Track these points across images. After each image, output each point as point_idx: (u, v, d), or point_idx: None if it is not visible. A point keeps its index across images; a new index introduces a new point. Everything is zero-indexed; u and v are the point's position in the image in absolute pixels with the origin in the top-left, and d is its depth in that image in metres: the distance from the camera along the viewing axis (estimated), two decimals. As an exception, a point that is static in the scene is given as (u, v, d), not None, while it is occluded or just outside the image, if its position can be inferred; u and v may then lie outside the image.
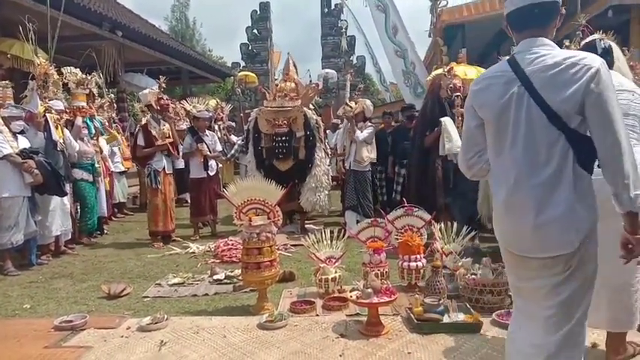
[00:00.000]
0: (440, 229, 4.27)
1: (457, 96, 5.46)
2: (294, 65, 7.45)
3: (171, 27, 33.83)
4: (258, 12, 22.71)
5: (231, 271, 4.82)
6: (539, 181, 1.76)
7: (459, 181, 5.06)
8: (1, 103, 5.59)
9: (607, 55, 2.66)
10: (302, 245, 4.93)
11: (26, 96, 6.13)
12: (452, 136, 5.26)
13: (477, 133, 1.99)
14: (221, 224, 7.57)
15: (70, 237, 6.38)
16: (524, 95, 1.77)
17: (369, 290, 3.29)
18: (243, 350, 3.08)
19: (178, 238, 6.82)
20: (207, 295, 4.35)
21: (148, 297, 4.34)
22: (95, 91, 8.11)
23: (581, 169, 1.75)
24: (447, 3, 11.37)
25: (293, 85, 6.97)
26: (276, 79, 7.79)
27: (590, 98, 1.68)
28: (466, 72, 7.15)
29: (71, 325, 3.52)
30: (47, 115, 5.89)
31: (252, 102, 19.62)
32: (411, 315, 3.36)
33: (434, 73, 7.58)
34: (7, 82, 5.96)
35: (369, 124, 7.14)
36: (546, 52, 1.78)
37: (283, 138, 6.75)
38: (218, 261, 5.50)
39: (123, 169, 9.14)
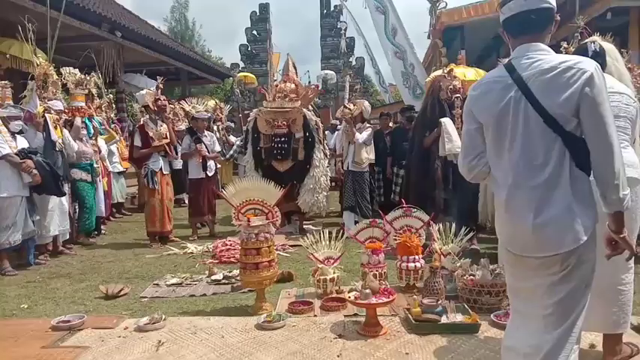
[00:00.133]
0: (438, 230, 4.26)
1: (457, 97, 5.47)
2: (294, 66, 7.45)
3: (170, 28, 33.92)
4: (258, 13, 22.75)
5: (230, 272, 4.81)
6: (537, 183, 1.80)
7: (459, 182, 5.06)
8: (0, 103, 5.58)
9: (598, 57, 2.69)
10: (300, 246, 4.92)
11: (25, 96, 6.13)
12: (452, 137, 5.27)
13: (476, 136, 2.02)
14: (219, 225, 7.57)
15: (68, 237, 6.38)
16: (521, 100, 1.82)
17: (368, 291, 3.29)
18: (241, 351, 3.08)
19: (176, 239, 6.81)
20: (205, 295, 4.34)
21: (145, 297, 4.33)
22: (94, 91, 8.11)
23: (579, 171, 1.78)
24: (446, 5, 11.41)
25: (293, 85, 6.97)
26: (275, 80, 7.77)
27: (585, 102, 1.72)
28: (465, 73, 7.17)
29: (69, 325, 3.51)
30: (46, 115, 5.89)
31: (251, 103, 19.63)
32: (409, 316, 3.35)
33: (433, 74, 7.59)
34: (5, 82, 5.95)
35: (368, 125, 7.14)
36: (542, 57, 1.82)
37: (282, 139, 6.75)
38: (216, 261, 5.49)
39: (121, 169, 9.14)
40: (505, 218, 1.94)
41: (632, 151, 2.65)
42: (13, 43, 8.70)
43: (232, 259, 5.41)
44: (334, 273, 4.10)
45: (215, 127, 10.38)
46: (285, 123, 6.71)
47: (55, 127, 6.01)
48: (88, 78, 7.61)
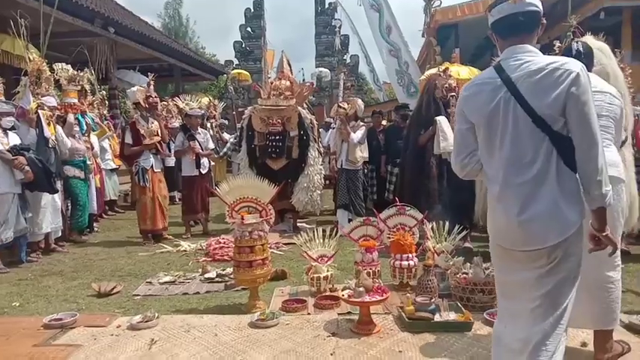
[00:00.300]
0: (432, 229, 4.28)
1: (452, 96, 5.48)
2: (289, 64, 7.44)
3: (164, 24, 33.74)
4: (252, 10, 22.65)
5: (223, 270, 4.80)
6: (525, 180, 1.87)
7: (453, 180, 5.07)
8: (-8, 99, 5.54)
9: (580, 57, 2.73)
10: (294, 244, 4.92)
11: (18, 92, 6.08)
12: (447, 135, 5.28)
13: (467, 135, 2.09)
14: (213, 222, 7.56)
15: (60, 234, 6.34)
16: (510, 100, 1.88)
17: (361, 289, 3.30)
18: (234, 349, 3.07)
19: (170, 237, 6.79)
20: (198, 293, 4.33)
21: (138, 295, 4.31)
22: (87, 87, 8.06)
23: (567, 168, 1.85)
24: (441, 3, 11.44)
25: (288, 83, 6.94)
26: (269, 77, 7.77)
27: (571, 100, 1.79)
28: (459, 72, 7.19)
29: (61, 324, 3.49)
30: (39, 111, 5.84)
31: (245, 100, 19.57)
32: (403, 314, 3.36)
33: (427, 72, 7.60)
34: (-3, 78, 5.90)
35: (362, 123, 7.14)
36: (530, 59, 1.89)
37: (277, 137, 6.73)
38: (210, 259, 5.48)
39: (114, 166, 9.10)
40: (496, 213, 2.02)
41: (614, 150, 2.69)
42: (5, 39, 8.62)
43: (226, 257, 5.40)
44: (328, 271, 4.11)
45: (209, 125, 10.34)
46: (279, 121, 6.70)
47: (49, 124, 5.97)
48: (81, 74, 7.56)
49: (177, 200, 9.75)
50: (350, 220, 5.74)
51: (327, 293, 3.96)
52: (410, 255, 4.15)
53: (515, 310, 1.99)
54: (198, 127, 7.46)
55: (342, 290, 3.50)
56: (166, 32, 26.23)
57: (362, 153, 6.87)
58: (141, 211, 6.64)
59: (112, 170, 9.14)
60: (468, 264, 3.86)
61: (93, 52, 10.48)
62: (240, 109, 12.05)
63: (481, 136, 2.02)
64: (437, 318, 3.30)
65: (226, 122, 12.16)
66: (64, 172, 6.31)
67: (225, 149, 9.88)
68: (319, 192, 6.95)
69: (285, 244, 6.12)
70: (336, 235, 4.37)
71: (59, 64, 6.95)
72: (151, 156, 6.65)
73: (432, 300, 3.42)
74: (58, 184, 6.01)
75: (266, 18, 22.90)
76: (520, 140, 1.88)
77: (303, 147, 6.81)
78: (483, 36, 12.09)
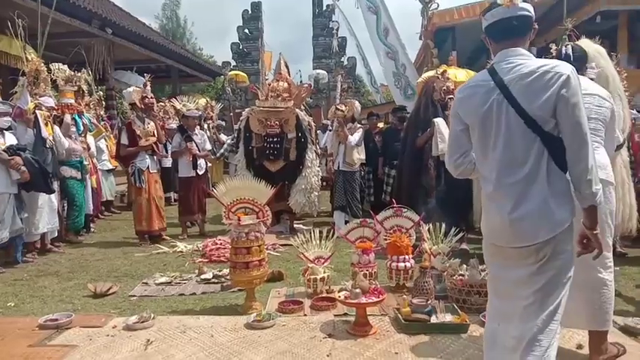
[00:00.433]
0: (428, 230, 4.28)
1: (450, 98, 5.50)
2: (286, 66, 7.44)
3: (161, 25, 33.68)
4: (250, 11, 22.68)
5: (219, 271, 4.80)
6: (517, 179, 1.94)
7: (451, 182, 5.08)
8: (-12, 99, 5.53)
9: (569, 60, 2.80)
10: (291, 245, 4.91)
11: (16, 92, 6.07)
12: (445, 137, 5.29)
13: (461, 136, 2.15)
14: (209, 223, 7.55)
15: (56, 235, 6.32)
16: (503, 102, 1.94)
17: (358, 290, 3.30)
18: (230, 350, 3.07)
19: (166, 237, 6.77)
20: (194, 294, 4.32)
21: (134, 296, 4.30)
22: (85, 88, 8.05)
23: (557, 168, 1.91)
24: (438, 6, 11.45)
25: (285, 84, 6.95)
26: (267, 79, 7.77)
27: (561, 102, 1.85)
28: (456, 74, 7.19)
29: (56, 324, 3.48)
30: (37, 111, 5.83)
31: (242, 101, 19.59)
32: (399, 315, 3.37)
33: (425, 75, 7.61)
34: (-6, 78, 5.90)
35: (359, 125, 7.16)
36: (522, 62, 1.94)
37: (275, 139, 6.74)
38: (206, 260, 5.48)
39: (110, 166, 9.07)
40: (489, 211, 2.08)
41: (603, 152, 2.71)
42: (2, 39, 8.61)
43: (222, 258, 5.39)
44: (324, 272, 4.11)
45: (206, 126, 10.34)
46: (277, 123, 6.70)
47: (46, 124, 5.96)
48: (78, 75, 7.55)
49: (173, 201, 9.73)
50: (347, 222, 5.74)
51: (324, 295, 3.96)
52: (406, 257, 4.16)
53: (507, 309, 2.04)
54: (196, 129, 7.45)
55: (339, 292, 3.51)
56: (164, 33, 26.20)
57: (359, 155, 6.87)
58: (137, 212, 6.62)
59: (109, 171, 9.12)
60: (464, 266, 3.87)
61: (90, 52, 10.48)
62: (237, 111, 12.03)
63: (475, 137, 2.07)
64: (433, 320, 3.31)
65: (223, 123, 12.16)
66: (60, 173, 6.29)
67: (222, 150, 9.88)
68: (317, 193, 6.95)
69: (282, 245, 6.11)
70: (332, 236, 4.37)
71: (56, 64, 6.93)
72: (147, 157, 6.64)
73: (429, 302, 3.42)
74: (55, 185, 5.99)
75: (264, 20, 22.93)
76: (512, 141, 1.93)
77: (301, 149, 6.82)
78: (480, 39, 12.14)
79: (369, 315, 3.40)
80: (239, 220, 3.75)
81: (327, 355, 2.96)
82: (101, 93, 10.07)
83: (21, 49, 6.33)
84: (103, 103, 10.06)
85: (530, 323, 1.93)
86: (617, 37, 9.67)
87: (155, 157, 6.83)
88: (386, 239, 4.37)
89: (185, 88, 20.40)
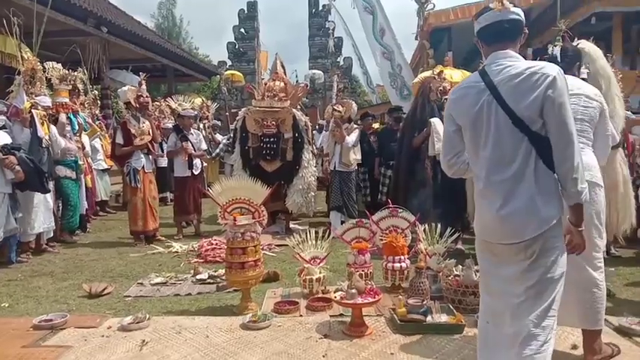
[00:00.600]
0: (424, 231, 4.29)
1: (446, 98, 5.51)
2: (282, 66, 7.42)
3: (157, 24, 33.59)
4: (246, 11, 22.64)
5: (215, 271, 4.79)
6: (505, 177, 2.00)
7: (447, 182, 5.09)
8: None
9: (556, 61, 2.87)
10: (286, 245, 4.91)
11: (11, 91, 6.03)
12: (441, 137, 5.30)
13: (454, 137, 2.22)
14: (205, 224, 7.53)
15: (52, 235, 6.29)
16: (492, 103, 2.01)
17: (353, 291, 3.30)
18: (225, 350, 3.07)
19: (162, 237, 6.76)
20: (190, 294, 4.31)
21: (129, 296, 4.29)
22: (80, 87, 8.01)
23: (545, 167, 1.97)
24: (434, 6, 11.47)
25: (282, 84, 6.93)
26: (263, 79, 7.75)
27: (548, 102, 1.91)
28: (452, 75, 7.21)
29: (51, 324, 3.46)
30: (33, 111, 5.80)
31: (238, 101, 19.55)
32: (395, 316, 3.37)
33: (421, 75, 7.62)
34: (-13, 76, 5.87)
35: (355, 126, 7.16)
36: (511, 64, 2.01)
37: (271, 139, 6.72)
38: (201, 260, 5.46)
39: (105, 166, 9.05)
40: (481, 209, 2.15)
41: (589, 152, 2.71)
42: (-3, 37, 8.55)
43: (218, 259, 5.39)
44: (320, 273, 4.11)
45: (201, 125, 10.32)
46: (274, 123, 6.69)
47: (42, 124, 5.93)
48: (73, 73, 7.51)
49: (169, 201, 9.71)
50: (343, 222, 5.74)
51: (320, 295, 3.96)
52: (402, 257, 4.16)
53: (498, 306, 2.09)
54: (191, 128, 7.43)
55: (335, 292, 3.51)
56: (159, 32, 26.11)
57: (355, 155, 6.88)
58: (132, 211, 6.60)
59: (104, 170, 9.09)
60: (460, 266, 3.88)
61: (85, 51, 10.42)
62: (233, 110, 12.02)
63: (467, 136, 2.14)
64: (429, 320, 3.31)
65: (219, 123, 12.13)
66: (55, 172, 6.26)
67: (217, 150, 9.86)
68: (313, 194, 6.95)
69: (278, 245, 6.11)
70: (328, 236, 4.37)
71: (50, 62, 6.90)
72: (143, 156, 6.61)
73: (424, 302, 3.43)
74: (50, 185, 5.96)
75: (260, 19, 22.84)
76: (501, 140, 2.00)
77: (298, 149, 6.80)
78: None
79: (365, 315, 3.40)
80: (235, 220, 3.74)
81: (323, 356, 2.95)
82: (96, 92, 10.05)
83: (16, 48, 6.29)
84: (98, 102, 10.03)
85: (525, 320, 1.97)
86: (611, 38, 9.74)
87: (150, 157, 6.81)
88: (382, 239, 4.37)
89: (181, 87, 20.37)
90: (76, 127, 7.17)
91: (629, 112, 5.44)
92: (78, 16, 10.18)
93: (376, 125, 10.16)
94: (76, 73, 7.89)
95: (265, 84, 7.10)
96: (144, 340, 3.21)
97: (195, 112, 8.91)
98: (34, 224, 5.76)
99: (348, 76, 20.99)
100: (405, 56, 11.86)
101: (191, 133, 7.28)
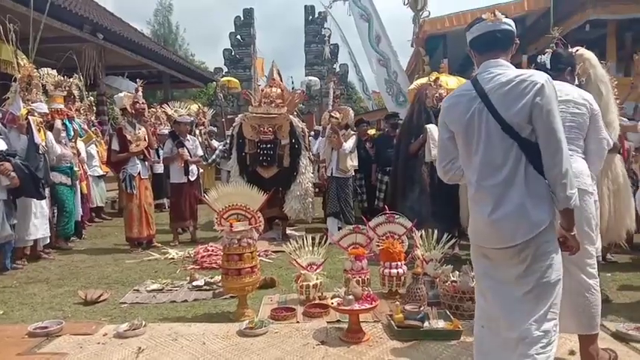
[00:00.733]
0: (421, 237, 4.29)
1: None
2: (279, 74, 7.44)
3: (153, 31, 33.60)
4: (242, 18, 22.73)
5: (211, 278, 4.77)
6: (496, 182, 2.04)
7: (444, 188, 5.10)
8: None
9: (544, 69, 2.91)
10: (283, 252, 4.91)
11: (7, 97, 6.02)
12: (437, 143, 5.32)
13: (449, 144, 2.28)
14: (201, 230, 7.51)
15: (47, 241, 6.25)
16: (483, 110, 2.06)
17: (350, 297, 3.29)
18: (222, 357, 3.05)
19: (158, 244, 6.73)
20: (186, 301, 4.29)
21: (125, 303, 4.27)
22: (76, 93, 8.00)
23: (535, 172, 2.00)
24: (429, 14, 11.51)
25: (279, 90, 6.94)
26: (259, 85, 7.76)
27: (536, 109, 1.96)
28: (447, 82, 7.24)
29: (46, 332, 3.44)
30: (30, 117, 5.78)
31: (234, 107, 19.59)
32: (392, 322, 3.37)
33: (417, 82, 7.65)
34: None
35: (352, 132, 7.17)
36: (501, 72, 2.06)
37: (268, 145, 6.72)
38: (198, 267, 5.45)
39: (101, 172, 9.02)
40: (474, 214, 2.19)
41: (578, 160, 2.70)
42: (-7, 44, 8.53)
43: (214, 265, 5.36)
44: (317, 279, 4.10)
45: (197, 132, 10.31)
46: (271, 129, 6.69)
47: (39, 130, 5.91)
48: (69, 80, 7.50)
49: (166, 207, 9.68)
50: (340, 228, 5.74)
51: (317, 301, 3.95)
52: (399, 263, 4.16)
53: (492, 311, 2.12)
54: (187, 134, 7.43)
55: (332, 298, 3.50)
56: (156, 39, 26.15)
57: (352, 162, 6.89)
58: (128, 218, 6.58)
59: (100, 177, 9.06)
60: (457, 272, 3.88)
61: (81, 58, 10.41)
62: (229, 117, 12.02)
63: (460, 143, 2.20)
64: (426, 326, 3.30)
65: (215, 129, 12.13)
66: (51, 179, 6.23)
67: (214, 156, 9.85)
68: (311, 200, 6.95)
69: (274, 251, 6.10)
70: (325, 243, 4.36)
71: (45, 69, 6.89)
72: (139, 162, 6.60)
73: (421, 308, 3.42)
74: (46, 191, 5.94)
75: (256, 26, 23.00)
76: (492, 146, 2.05)
77: (295, 155, 6.81)
78: (471, 46, 12.23)
79: (362, 322, 3.40)
80: (231, 226, 3.73)
81: (320, 363, 2.95)
82: (92, 98, 10.03)
83: (12, 55, 6.29)
84: (94, 108, 10.01)
85: (526, 324, 1.99)
86: (605, 45, 9.80)
87: (146, 163, 6.80)
88: (379, 246, 4.36)
89: (177, 93, 20.39)
90: (72, 133, 7.15)
91: (624, 119, 5.47)
92: (74, 22, 10.19)
93: (372, 131, 10.19)
94: (71, 80, 7.88)
95: (262, 90, 7.10)
96: (140, 347, 3.19)
97: (192, 119, 8.88)
98: (31, 230, 5.73)
99: (344, 82, 21.07)
100: (400, 63, 11.93)
101: (187, 140, 7.28)
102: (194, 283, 4.68)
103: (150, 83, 14.29)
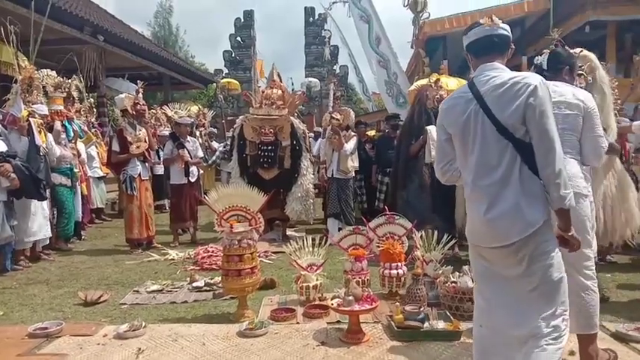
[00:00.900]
0: (421, 237, 4.29)
1: (443, 107, 5.55)
2: (279, 76, 7.45)
3: (154, 33, 33.62)
4: (242, 19, 22.74)
5: (211, 279, 4.77)
6: (491, 182, 2.07)
7: (443, 189, 5.10)
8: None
9: (540, 70, 2.93)
10: (283, 252, 4.91)
11: (9, 99, 6.02)
12: (435, 145, 5.33)
13: (446, 145, 2.32)
14: (201, 231, 7.51)
15: (47, 242, 6.26)
16: (479, 112, 2.10)
17: (350, 298, 3.29)
18: (222, 358, 3.05)
19: (158, 245, 6.73)
20: (186, 302, 4.29)
21: (125, 304, 4.27)
22: (76, 94, 8.00)
23: (530, 172, 2.03)
24: (429, 15, 11.54)
25: (279, 92, 6.94)
26: (259, 86, 7.78)
27: (530, 110, 1.99)
28: (447, 83, 7.25)
29: (46, 333, 3.44)
30: (30, 119, 5.79)
31: (234, 109, 19.60)
32: (392, 323, 3.37)
33: (417, 83, 7.66)
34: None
35: (352, 133, 7.18)
36: (496, 75, 2.10)
37: (269, 147, 6.72)
38: (198, 268, 5.45)
39: (101, 174, 9.02)
40: (470, 213, 2.22)
41: (572, 162, 2.67)
42: (-7, 45, 8.54)
43: (214, 266, 5.36)
44: (317, 280, 4.10)
45: (198, 133, 10.32)
46: (272, 131, 6.69)
47: (40, 132, 5.92)
48: (69, 82, 7.50)
49: (166, 208, 9.68)
50: (340, 229, 5.74)
51: (317, 302, 3.95)
52: (399, 264, 4.16)
53: (492, 311, 2.15)
54: (188, 136, 7.43)
55: (332, 299, 3.50)
56: (156, 41, 26.18)
57: (353, 163, 6.90)
58: (128, 219, 6.58)
59: (100, 178, 9.06)
60: (457, 273, 3.88)
61: (82, 59, 10.43)
62: (229, 118, 12.03)
63: (457, 144, 2.24)
64: (426, 327, 3.30)
65: (215, 131, 12.13)
66: (51, 181, 6.24)
67: (214, 158, 9.85)
68: (312, 201, 6.95)
69: (275, 252, 6.10)
70: (325, 243, 4.37)
71: (44, 70, 6.90)
72: (139, 164, 6.61)
73: (421, 309, 3.42)
74: (47, 192, 5.94)
75: (256, 28, 23.01)
76: (487, 147, 2.08)
77: (296, 157, 6.80)
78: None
79: (362, 322, 3.40)
80: (231, 227, 3.73)
81: (320, 363, 2.95)
82: (92, 100, 10.04)
83: (13, 56, 6.30)
84: (94, 110, 10.02)
85: (535, 322, 2.02)
86: (605, 46, 9.82)
87: (147, 164, 6.80)
88: (379, 246, 4.37)
89: (177, 95, 20.40)
90: (71, 135, 7.16)
91: (625, 120, 5.46)
92: (75, 24, 10.20)
93: (372, 133, 10.20)
94: (70, 81, 7.89)
95: (263, 92, 7.11)
96: (140, 348, 3.19)
97: (192, 120, 8.89)
98: (31, 232, 5.73)
99: (344, 84, 21.07)
100: (400, 64, 11.94)
101: (187, 141, 7.28)
102: (194, 284, 4.68)
103: (150, 85, 14.32)
